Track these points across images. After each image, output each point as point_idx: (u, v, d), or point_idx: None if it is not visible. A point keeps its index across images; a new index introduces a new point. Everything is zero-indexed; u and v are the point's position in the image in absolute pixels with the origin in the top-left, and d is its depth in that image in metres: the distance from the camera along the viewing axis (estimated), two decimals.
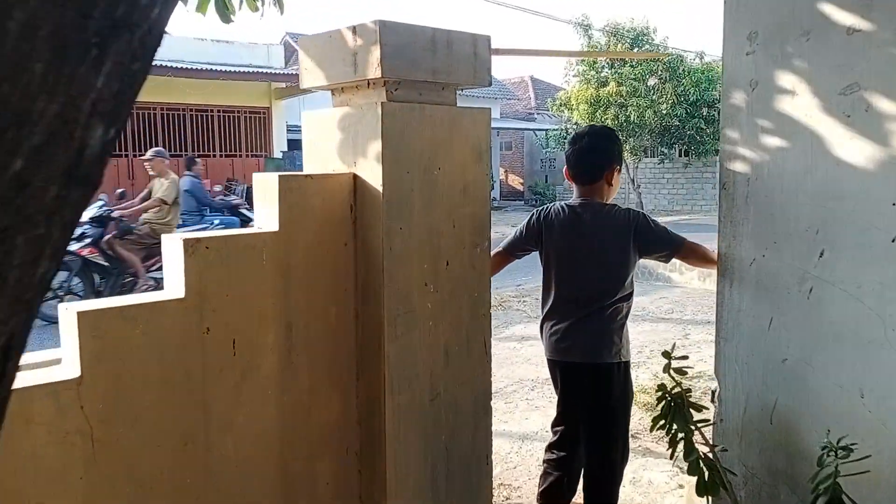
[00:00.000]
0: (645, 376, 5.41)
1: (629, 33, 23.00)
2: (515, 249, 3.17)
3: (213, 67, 15.39)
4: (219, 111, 16.65)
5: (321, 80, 2.67)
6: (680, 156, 24.18)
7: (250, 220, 9.84)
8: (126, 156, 15.52)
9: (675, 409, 2.39)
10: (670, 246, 2.98)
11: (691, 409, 2.41)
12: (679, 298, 8.54)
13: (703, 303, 8.28)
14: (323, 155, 2.71)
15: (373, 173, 2.50)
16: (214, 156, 16.78)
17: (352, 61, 2.52)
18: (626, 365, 3.00)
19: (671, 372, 2.40)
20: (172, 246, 2.26)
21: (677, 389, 2.41)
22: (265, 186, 2.46)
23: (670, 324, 7.30)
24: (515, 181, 32.48)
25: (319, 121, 2.74)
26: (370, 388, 2.59)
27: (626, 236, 2.89)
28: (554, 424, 3.23)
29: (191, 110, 16.34)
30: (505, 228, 19.05)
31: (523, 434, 4.16)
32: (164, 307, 2.18)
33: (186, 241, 2.21)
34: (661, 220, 14.38)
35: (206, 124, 16.68)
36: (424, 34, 2.54)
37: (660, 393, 2.43)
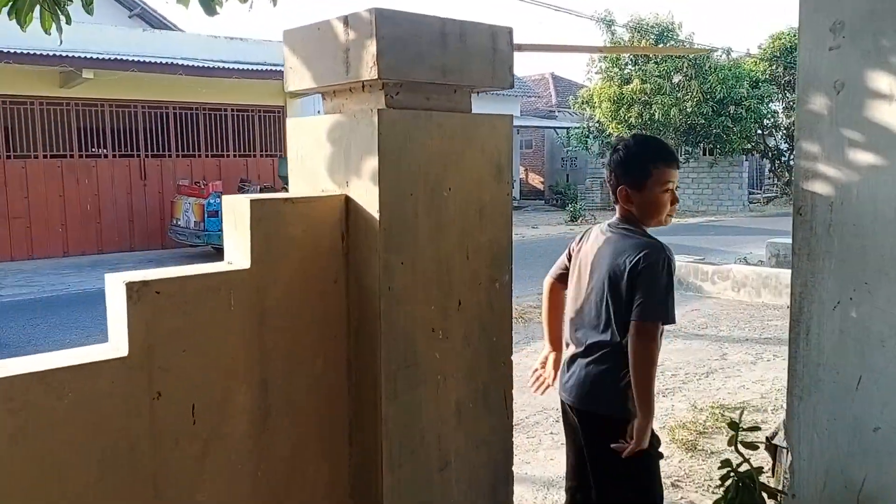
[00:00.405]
0: (682, 406, 4.91)
1: (653, 29, 22.39)
2: (560, 272, 2.65)
3: (227, 65, 15.00)
4: (232, 110, 16.26)
5: (308, 82, 2.21)
6: (704, 154, 23.52)
7: None
8: (138, 155, 15.19)
9: (744, 492, 1.90)
10: (638, 314, 2.23)
11: (764, 493, 1.92)
12: (713, 311, 8.00)
13: (739, 316, 7.75)
14: (311, 172, 2.25)
15: (368, 195, 2.03)
16: (228, 155, 16.40)
17: (343, 59, 2.06)
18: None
19: (738, 447, 1.92)
20: (113, 290, 1.81)
21: (746, 467, 1.92)
22: (234, 213, 2.00)
23: (705, 341, 6.78)
24: (536, 180, 31.91)
25: (307, 130, 2.28)
26: (365, 458, 2.13)
27: (620, 279, 2.27)
28: (566, 478, 2.69)
29: (204, 109, 15.97)
30: (525, 229, 18.64)
31: (548, 480, 3.69)
32: (101, 370, 1.73)
33: (130, 285, 1.76)
34: (686, 220, 13.65)
35: (220, 123, 16.31)
36: (432, 25, 2.07)
37: (725, 470, 1.94)
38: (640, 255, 2.22)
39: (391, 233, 2.03)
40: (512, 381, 2.37)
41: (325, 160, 2.18)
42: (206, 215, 13.56)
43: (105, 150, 14.90)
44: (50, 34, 3.41)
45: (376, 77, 1.96)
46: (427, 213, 2.10)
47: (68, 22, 3.49)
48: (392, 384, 2.07)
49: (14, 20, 3.24)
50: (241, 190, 14.42)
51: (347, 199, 2.11)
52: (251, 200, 1.94)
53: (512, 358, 2.36)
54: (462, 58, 2.14)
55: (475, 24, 2.18)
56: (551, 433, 4.43)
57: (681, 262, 9.18)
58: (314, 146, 2.22)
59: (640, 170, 2.32)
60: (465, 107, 2.26)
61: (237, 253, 2.00)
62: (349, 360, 2.13)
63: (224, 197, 2.06)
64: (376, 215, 2.00)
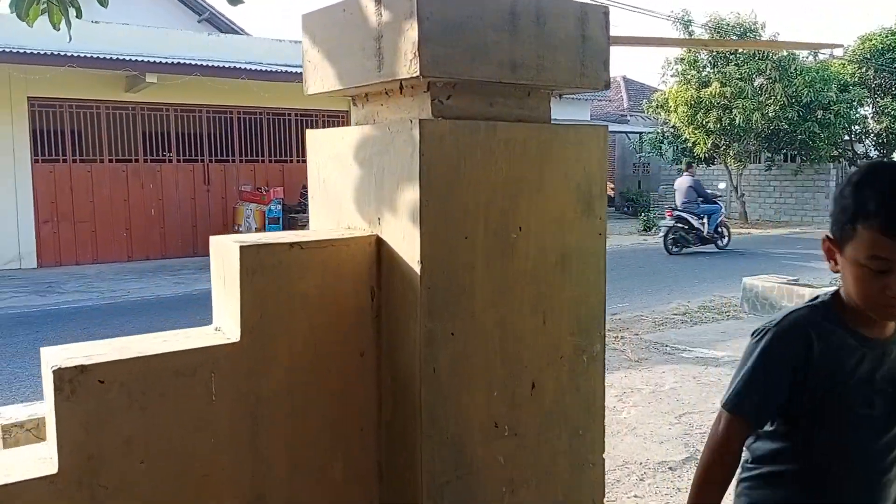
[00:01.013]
0: None
1: (734, 29, 21.22)
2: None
3: (290, 69, 14.72)
4: (296, 115, 15.98)
5: (332, 82, 1.65)
6: (787, 161, 22.19)
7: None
8: (202, 160, 15.06)
9: None
10: None
11: None
12: None
13: None
14: (334, 201, 1.69)
15: (407, 238, 1.46)
16: (290, 161, 16.14)
17: (374, 49, 1.49)
18: None
19: None
20: (46, 374, 1.28)
21: None
22: (222, 261, 1.45)
23: None
24: (606, 186, 30.86)
25: (329, 146, 1.72)
26: None
27: None
28: None
29: (267, 114, 15.75)
30: None
31: None
32: (24, 490, 1.20)
33: (60, 373, 1.22)
34: (768, 231, 12.65)
35: (284, 128, 16.06)
36: (496, 3, 1.48)
37: None
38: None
39: (438, 291, 1.44)
40: (603, 487, 1.75)
41: (351, 187, 1.61)
42: (266, 222, 13.32)
43: (169, 155, 14.81)
44: (59, 30, 2.96)
45: (417, 74, 1.39)
46: (488, 262, 1.51)
47: (78, 15, 3.03)
48: (437, 501, 1.48)
49: (14, 14, 2.81)
50: (302, 196, 14.12)
51: (379, 242, 1.54)
52: (242, 246, 1.38)
53: (604, 456, 1.74)
54: (539, 48, 1.54)
55: (558, 2, 1.58)
56: (634, 496, 3.77)
57: (771, 284, 8.33)
58: (338, 167, 1.65)
59: (846, 221, 1.39)
60: (542, 115, 1.66)
61: (225, 318, 1.45)
62: (379, 467, 1.55)
63: (212, 239, 1.51)
64: (417, 266, 1.42)
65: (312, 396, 1.47)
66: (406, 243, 1.45)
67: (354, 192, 1.60)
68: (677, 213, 14.39)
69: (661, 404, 5.29)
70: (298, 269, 1.44)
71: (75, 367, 1.23)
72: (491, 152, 1.49)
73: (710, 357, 6.42)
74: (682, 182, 14.85)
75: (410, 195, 1.43)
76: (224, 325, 1.46)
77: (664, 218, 15.00)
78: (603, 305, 1.70)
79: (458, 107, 1.51)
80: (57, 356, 1.28)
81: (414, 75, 1.39)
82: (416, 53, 1.38)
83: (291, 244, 1.43)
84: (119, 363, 1.27)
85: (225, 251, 1.43)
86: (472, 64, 1.45)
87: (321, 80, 1.69)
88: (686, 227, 14.22)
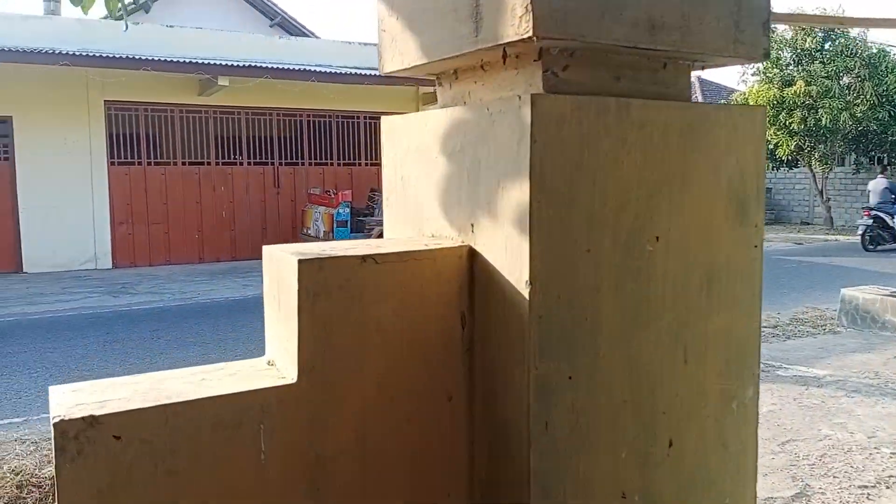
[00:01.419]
0: None
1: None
2: None
3: (360, 71, 14.59)
4: (365, 117, 15.87)
5: (413, 55, 1.32)
6: (874, 163, 20.97)
7: None
8: (272, 163, 15.08)
9: None
10: None
11: None
12: None
13: None
14: (414, 203, 1.36)
15: (511, 250, 1.12)
16: (359, 164, 16.03)
17: (471, 9, 1.16)
18: None
19: None
20: (55, 425, 0.98)
21: None
22: (277, 276, 1.14)
23: None
24: (764, 185, 29.85)
25: (408, 133, 1.39)
26: None
27: None
28: None
29: (337, 116, 15.68)
30: None
31: None
32: None
33: (63, 427, 0.93)
34: (856, 239, 11.91)
35: (353, 131, 15.98)
36: None
37: None
38: None
39: (552, 321, 1.10)
40: None
41: (436, 185, 1.28)
42: (335, 225, 13.20)
43: (241, 158, 14.87)
44: (115, 17, 2.73)
45: (530, 34, 1.04)
46: (617, 284, 1.15)
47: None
48: None
49: (70, 1, 2.59)
50: (371, 200, 13.96)
51: (473, 255, 1.20)
52: (301, 260, 1.07)
53: None
54: (684, 3, 1.18)
55: None
56: None
57: (873, 296, 7.66)
58: (420, 161, 1.33)
59: None
60: (681, 92, 1.29)
61: (279, 350, 1.14)
62: None
63: (265, 248, 1.20)
64: (525, 289, 1.08)
65: (388, 453, 1.14)
66: (510, 257, 1.11)
67: (441, 192, 1.27)
68: (874, 212, 15.24)
69: (761, 429, 4.81)
70: (372, 290, 1.12)
71: (84, 418, 0.94)
72: (623, 139, 1.14)
73: (809, 376, 5.86)
74: (878, 184, 15.82)
75: (517, 195, 1.09)
76: (278, 358, 1.15)
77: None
78: (758, 337, 1.32)
79: (576, 82, 1.17)
80: (64, 400, 0.99)
81: (525, 36, 1.05)
82: (529, 7, 1.04)
83: (363, 257, 1.11)
84: (141, 413, 0.97)
85: (279, 264, 1.12)
86: (600, 22, 1.10)
87: (400, 54, 1.36)
88: (881, 225, 15.15)
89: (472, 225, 1.20)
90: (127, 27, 2.92)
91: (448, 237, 1.25)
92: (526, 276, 1.07)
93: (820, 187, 21.06)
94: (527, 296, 1.07)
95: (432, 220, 1.30)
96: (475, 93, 1.29)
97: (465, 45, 1.19)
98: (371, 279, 1.11)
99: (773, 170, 21.82)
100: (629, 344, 1.17)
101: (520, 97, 1.08)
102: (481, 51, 1.17)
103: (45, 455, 4.22)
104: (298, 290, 1.06)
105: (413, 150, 1.35)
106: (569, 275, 1.10)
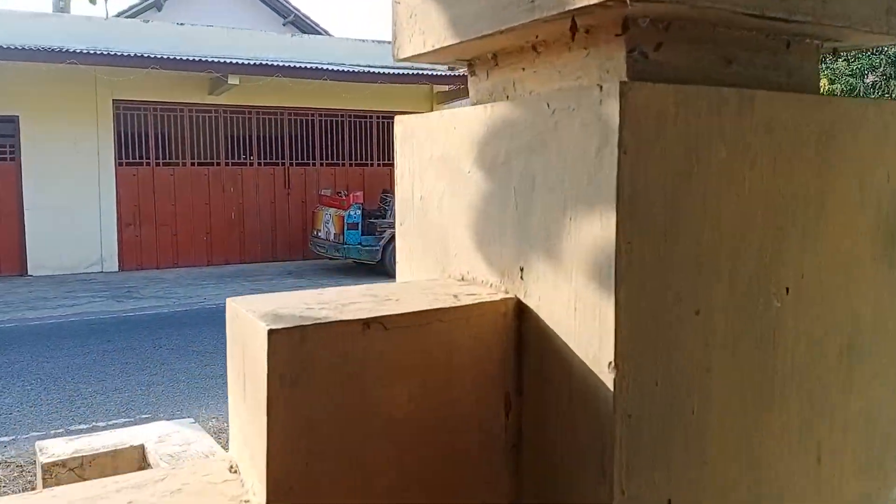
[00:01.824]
0: None
1: None
2: None
3: (373, 70, 14.24)
4: (377, 117, 15.51)
5: (440, 35, 0.96)
6: None
7: None
8: (283, 164, 14.76)
9: None
10: None
11: None
12: None
13: None
14: (439, 234, 1.01)
15: (583, 310, 0.75)
16: (371, 164, 15.68)
17: None
18: None
19: None
20: None
21: None
22: (241, 346, 0.79)
23: None
24: None
25: (433, 141, 1.03)
26: None
27: None
28: None
29: (349, 116, 15.34)
30: None
31: None
32: None
33: None
34: None
35: (365, 131, 15.63)
36: None
37: None
38: None
39: (646, 423, 0.74)
40: None
41: (467, 208, 0.93)
42: (345, 227, 12.85)
43: (251, 158, 14.57)
44: (95, 3, 2.37)
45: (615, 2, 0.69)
46: (735, 357, 0.79)
47: None
48: None
49: None
50: (382, 202, 13.60)
51: (521, 311, 0.84)
52: (272, 330, 0.71)
53: None
54: None
55: None
56: None
57: None
58: (444, 173, 0.97)
59: None
60: (808, 82, 0.93)
61: (244, 452, 0.79)
62: None
63: (229, 302, 0.85)
64: (608, 373, 0.72)
65: None
66: (581, 322, 0.75)
67: (476, 219, 0.92)
68: None
69: None
70: (379, 368, 0.76)
71: None
72: (746, 146, 0.78)
73: None
74: None
75: (594, 229, 0.73)
76: (244, 465, 0.80)
77: None
78: None
79: (673, 66, 0.81)
80: None
81: (605, 2, 0.69)
82: None
83: (366, 322, 0.75)
84: None
85: (244, 330, 0.77)
86: None
87: (421, 33, 1.01)
88: None
89: (522, 269, 0.84)
90: (108, 15, 2.57)
91: (485, 283, 0.90)
92: (610, 356, 0.71)
93: None
94: (610, 385, 0.71)
95: (462, 256, 0.94)
96: (523, 83, 0.93)
97: (514, 17, 0.83)
98: (377, 353, 0.76)
99: None
100: (750, 444, 0.81)
101: (600, 87, 0.72)
102: (537, 23, 0.81)
103: (30, 482, 3.91)
104: (268, 374, 0.70)
105: (436, 159, 1.00)
106: (671, 350, 0.74)
